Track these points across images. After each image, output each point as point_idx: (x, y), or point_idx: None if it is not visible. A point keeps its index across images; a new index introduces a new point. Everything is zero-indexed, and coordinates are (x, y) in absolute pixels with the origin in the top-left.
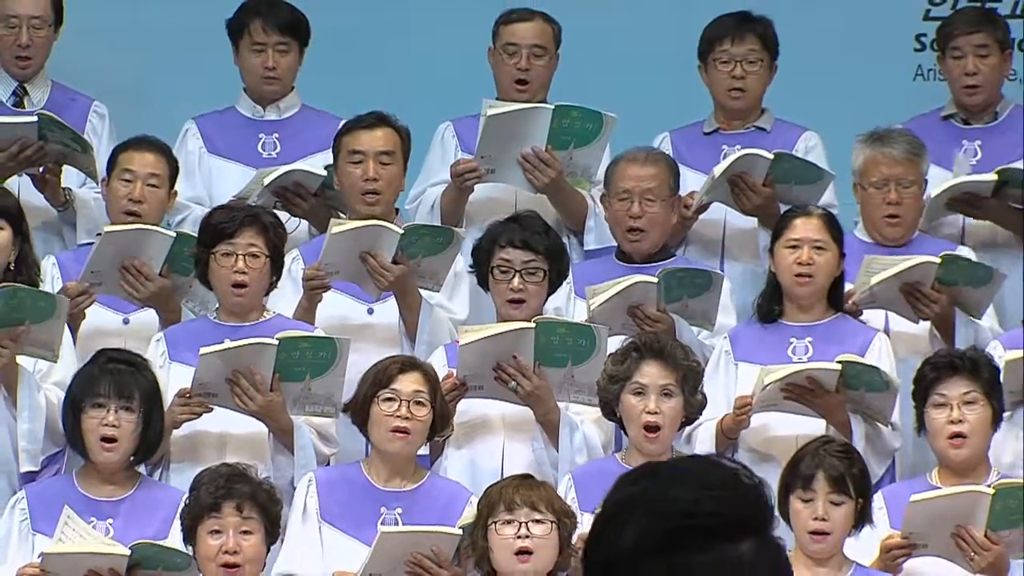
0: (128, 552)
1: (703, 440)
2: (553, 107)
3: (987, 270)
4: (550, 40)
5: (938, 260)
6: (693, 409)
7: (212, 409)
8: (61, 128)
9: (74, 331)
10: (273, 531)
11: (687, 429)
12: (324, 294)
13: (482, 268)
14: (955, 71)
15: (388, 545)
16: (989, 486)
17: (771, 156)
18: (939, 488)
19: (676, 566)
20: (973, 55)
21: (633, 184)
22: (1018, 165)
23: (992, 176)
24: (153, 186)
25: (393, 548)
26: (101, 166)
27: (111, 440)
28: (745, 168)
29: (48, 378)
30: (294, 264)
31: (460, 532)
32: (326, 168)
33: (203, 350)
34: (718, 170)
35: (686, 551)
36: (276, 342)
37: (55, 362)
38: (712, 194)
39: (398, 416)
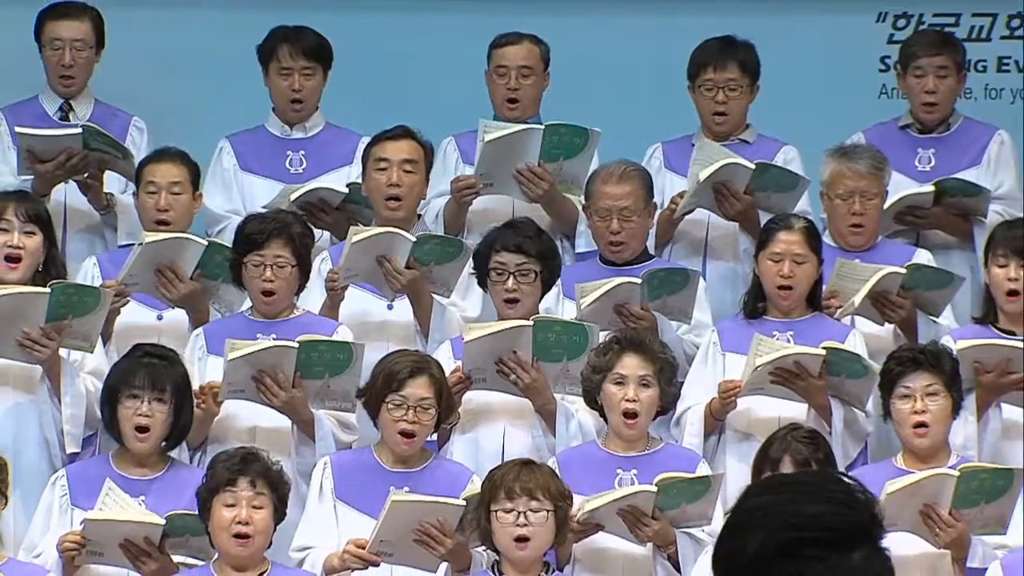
0: (163, 522)
1: (692, 422)
2: (544, 126)
3: (947, 275)
4: (537, 60)
5: (903, 271)
6: (668, 399)
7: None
8: (103, 138)
9: (108, 326)
10: (281, 509)
11: (677, 411)
12: (347, 293)
13: (481, 271)
14: (916, 88)
15: (398, 513)
16: (954, 469)
17: (753, 166)
18: (905, 471)
19: (793, 573)
20: (934, 76)
21: (611, 203)
22: (961, 176)
23: (930, 188)
24: (176, 193)
25: (402, 516)
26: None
27: (144, 429)
28: (728, 177)
29: (82, 368)
30: (323, 265)
31: (464, 503)
32: (348, 186)
33: (230, 355)
34: (703, 174)
35: (804, 560)
36: (296, 345)
37: (91, 353)
38: (697, 199)
39: (404, 420)
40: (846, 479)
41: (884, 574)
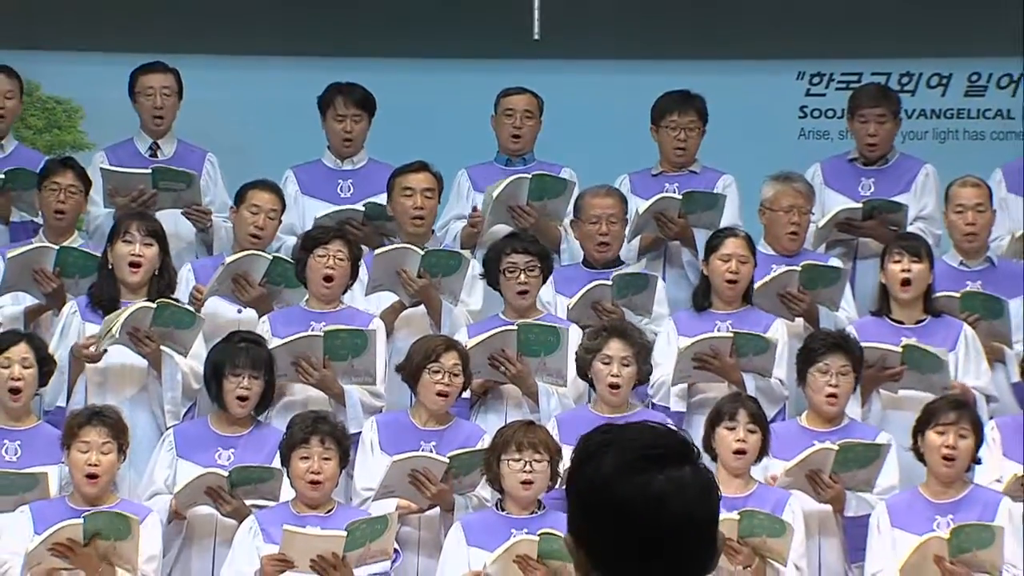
0: (225, 474)
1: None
2: (532, 175)
3: (836, 271)
4: (536, 108)
5: (799, 268)
6: (644, 375)
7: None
8: (170, 174)
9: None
10: (345, 459)
11: (668, 386)
12: (384, 295)
13: (492, 272)
14: (860, 132)
15: (400, 466)
16: (835, 441)
17: (680, 197)
18: (807, 428)
19: (643, 482)
20: (874, 122)
21: (600, 211)
22: (899, 198)
23: (859, 205)
24: (271, 218)
25: (403, 468)
26: (210, 200)
27: (245, 399)
28: (663, 208)
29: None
30: (361, 271)
31: (447, 460)
32: (364, 205)
33: (271, 347)
34: (641, 208)
35: (648, 472)
36: (322, 334)
37: (184, 356)
38: (641, 227)
39: (442, 383)
40: (659, 423)
41: (709, 485)
